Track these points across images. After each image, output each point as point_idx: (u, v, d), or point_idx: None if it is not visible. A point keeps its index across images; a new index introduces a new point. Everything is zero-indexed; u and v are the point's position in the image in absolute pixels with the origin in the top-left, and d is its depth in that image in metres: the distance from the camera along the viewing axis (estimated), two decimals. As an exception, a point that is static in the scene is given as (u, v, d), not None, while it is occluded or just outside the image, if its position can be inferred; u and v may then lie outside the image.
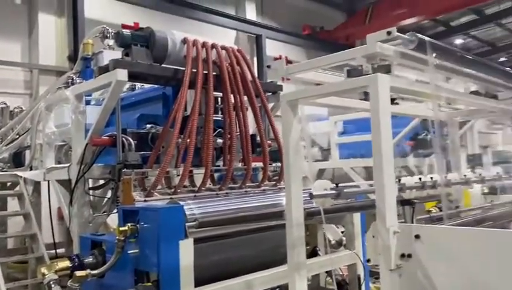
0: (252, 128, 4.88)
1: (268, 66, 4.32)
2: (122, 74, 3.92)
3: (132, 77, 4.11)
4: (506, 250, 1.82)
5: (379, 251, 2.12)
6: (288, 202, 2.51)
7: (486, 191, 4.73)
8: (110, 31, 4.84)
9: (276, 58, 12.13)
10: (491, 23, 18.58)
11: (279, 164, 4.85)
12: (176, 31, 4.55)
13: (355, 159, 8.10)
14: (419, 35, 2.19)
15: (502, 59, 23.95)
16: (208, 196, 4.24)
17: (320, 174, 9.00)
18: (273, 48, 13.42)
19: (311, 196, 2.20)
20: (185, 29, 5.05)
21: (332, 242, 4.68)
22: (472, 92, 3.42)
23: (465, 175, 3.49)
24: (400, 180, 2.67)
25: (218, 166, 4.74)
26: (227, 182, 4.50)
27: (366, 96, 2.40)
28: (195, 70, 4.32)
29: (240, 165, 4.75)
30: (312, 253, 4.72)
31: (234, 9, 13.29)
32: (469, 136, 23.26)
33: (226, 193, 4.52)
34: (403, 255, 2.10)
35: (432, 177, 2.95)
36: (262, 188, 4.78)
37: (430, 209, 3.92)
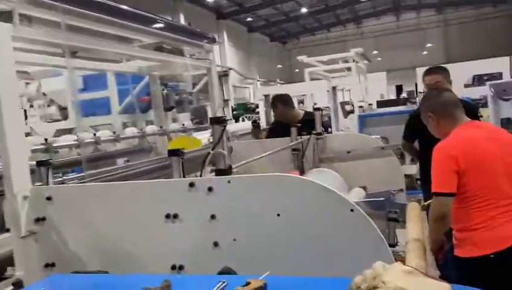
0: None
1: None
2: None
3: None
4: (121, 200, 1.89)
5: (10, 218, 1.96)
6: None
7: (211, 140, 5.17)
8: None
9: None
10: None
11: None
12: None
13: (95, 117, 7.72)
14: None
15: (248, 19, 26.63)
16: None
17: (63, 135, 8.34)
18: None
19: None
20: None
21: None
22: (157, 48, 3.48)
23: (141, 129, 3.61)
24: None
25: None
26: None
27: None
28: None
29: None
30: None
31: None
32: (225, 89, 25.02)
33: None
34: (37, 220, 1.98)
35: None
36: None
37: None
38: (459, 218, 2.36)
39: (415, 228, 2.80)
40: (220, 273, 1.75)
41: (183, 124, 4.46)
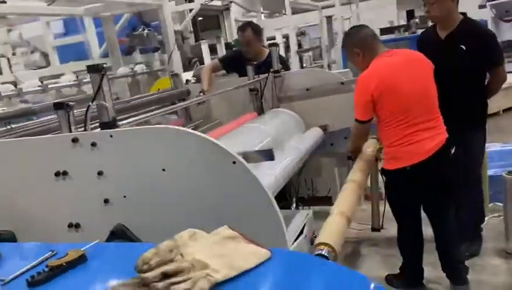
0: None
1: None
2: None
3: None
4: (10, 158, 1.80)
5: None
6: None
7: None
8: None
9: None
10: None
11: None
12: None
13: (77, 62, 7.53)
14: None
15: None
16: None
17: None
18: None
19: None
20: None
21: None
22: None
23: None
24: None
25: None
26: None
27: None
28: None
29: None
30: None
31: None
32: (227, 25, 24.12)
33: None
34: None
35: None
36: None
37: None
38: (383, 137, 2.63)
39: (357, 168, 2.72)
40: (112, 231, 1.69)
41: (131, 68, 4.25)
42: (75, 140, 1.65)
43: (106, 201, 1.68)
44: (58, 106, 1.72)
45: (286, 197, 3.87)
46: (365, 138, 2.81)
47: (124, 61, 7.48)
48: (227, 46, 13.33)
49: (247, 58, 3.70)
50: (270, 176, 2.37)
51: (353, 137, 2.83)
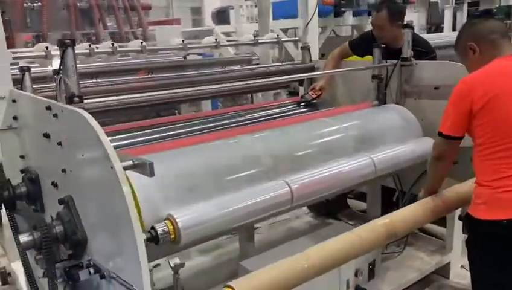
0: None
1: None
2: None
3: None
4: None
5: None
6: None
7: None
8: None
9: None
10: None
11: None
12: None
13: (284, 20, 7.76)
14: None
15: None
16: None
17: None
18: None
19: None
20: None
21: None
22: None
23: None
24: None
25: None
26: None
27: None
28: None
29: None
30: None
31: None
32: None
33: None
34: (14, 118, 2.32)
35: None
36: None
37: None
38: (477, 169, 1.99)
39: (412, 207, 2.07)
40: (59, 200, 1.78)
41: (277, 35, 4.05)
42: (48, 108, 1.75)
43: (63, 171, 1.75)
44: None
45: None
46: (447, 169, 2.07)
47: (334, 22, 7.22)
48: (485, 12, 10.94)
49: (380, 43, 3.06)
50: (285, 189, 2.01)
51: (430, 163, 2.12)
